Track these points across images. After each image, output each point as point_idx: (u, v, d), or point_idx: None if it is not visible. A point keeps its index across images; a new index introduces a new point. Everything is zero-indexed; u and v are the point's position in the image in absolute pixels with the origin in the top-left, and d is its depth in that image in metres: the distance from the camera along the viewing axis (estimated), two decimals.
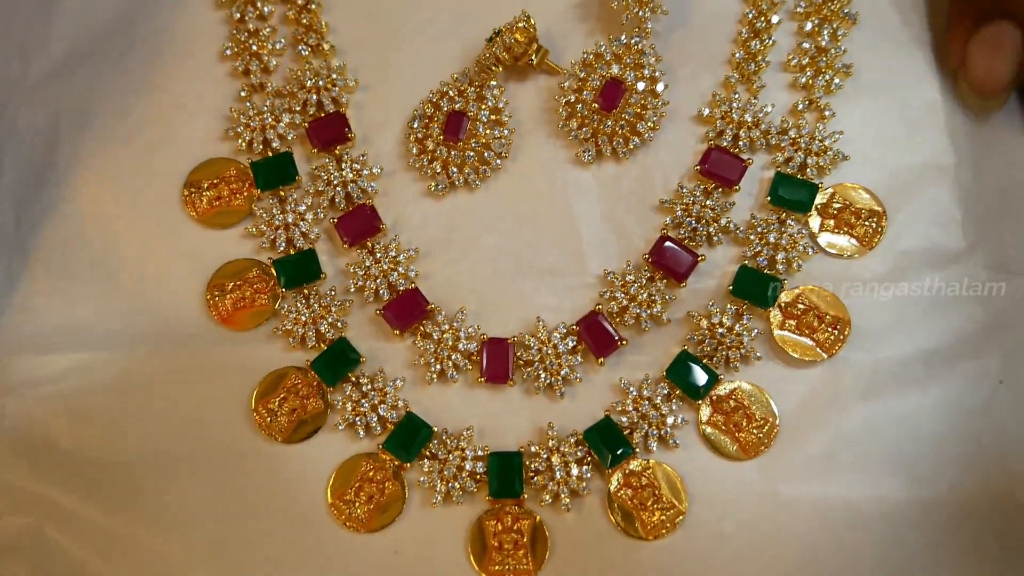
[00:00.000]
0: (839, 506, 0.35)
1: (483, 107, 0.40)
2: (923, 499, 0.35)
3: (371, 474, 0.36)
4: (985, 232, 0.38)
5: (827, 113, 0.40)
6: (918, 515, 0.35)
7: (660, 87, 0.39)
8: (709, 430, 0.37)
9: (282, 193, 0.40)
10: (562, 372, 0.37)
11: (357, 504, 0.36)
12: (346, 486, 0.36)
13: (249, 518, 0.36)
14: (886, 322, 0.37)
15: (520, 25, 0.39)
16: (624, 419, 0.37)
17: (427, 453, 0.37)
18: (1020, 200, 0.38)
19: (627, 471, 0.36)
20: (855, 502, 0.35)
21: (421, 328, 0.38)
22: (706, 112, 0.40)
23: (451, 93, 0.40)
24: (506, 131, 0.40)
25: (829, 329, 0.37)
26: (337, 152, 0.40)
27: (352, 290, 0.39)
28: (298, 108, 0.41)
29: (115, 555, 0.36)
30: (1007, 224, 0.38)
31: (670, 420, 0.37)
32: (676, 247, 0.38)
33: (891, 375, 0.37)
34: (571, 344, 0.38)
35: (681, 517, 0.35)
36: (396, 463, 0.37)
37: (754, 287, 0.38)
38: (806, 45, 0.40)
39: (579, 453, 0.36)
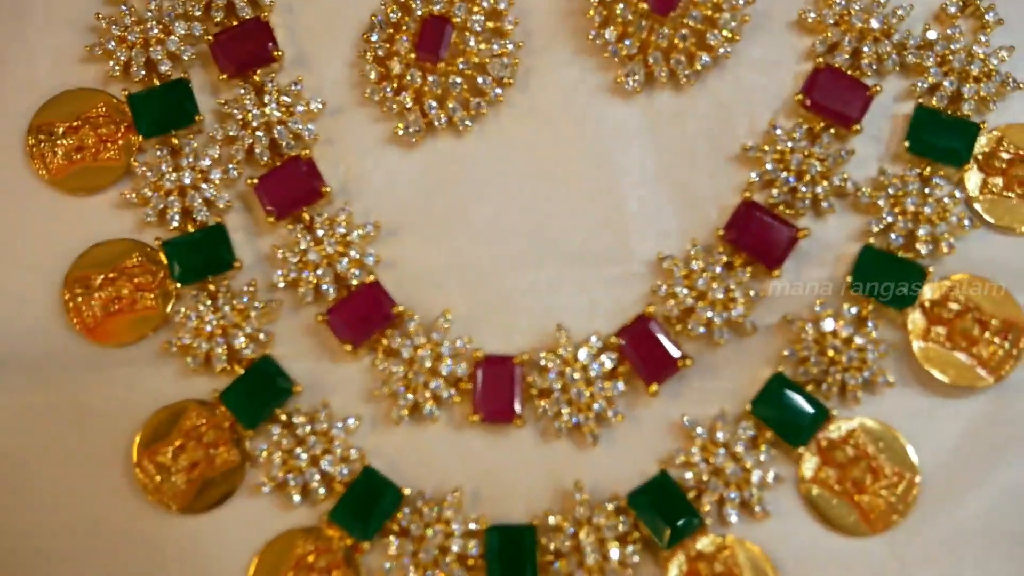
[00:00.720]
0: None
1: (475, 9, 0.38)
2: None
3: (311, 559, 0.35)
4: None
5: (990, 18, 0.38)
6: None
7: None
8: (816, 491, 0.35)
9: (175, 141, 0.38)
10: (595, 406, 0.36)
11: None
12: None
13: None
14: None
15: None
16: (689, 475, 0.35)
17: (394, 527, 0.35)
18: None
19: (693, 553, 0.34)
20: None
21: (384, 341, 0.37)
22: (811, 16, 0.38)
23: None
24: (510, 45, 0.38)
25: (996, 340, 0.35)
26: (257, 79, 0.39)
27: (282, 285, 0.37)
28: (198, 13, 0.39)
29: None
30: None
31: (757, 476, 0.35)
32: (766, 217, 0.36)
33: None
34: (608, 365, 0.36)
35: None
36: (349, 542, 0.35)
37: (884, 277, 0.35)
38: None
39: (621, 527, 0.35)
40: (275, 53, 0.38)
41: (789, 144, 0.37)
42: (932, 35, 0.37)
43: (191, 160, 0.38)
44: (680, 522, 0.34)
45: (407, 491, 0.35)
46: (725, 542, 0.34)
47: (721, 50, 0.37)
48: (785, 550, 0.34)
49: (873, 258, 0.36)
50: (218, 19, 0.39)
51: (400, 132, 0.38)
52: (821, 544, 0.34)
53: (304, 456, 0.35)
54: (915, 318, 0.35)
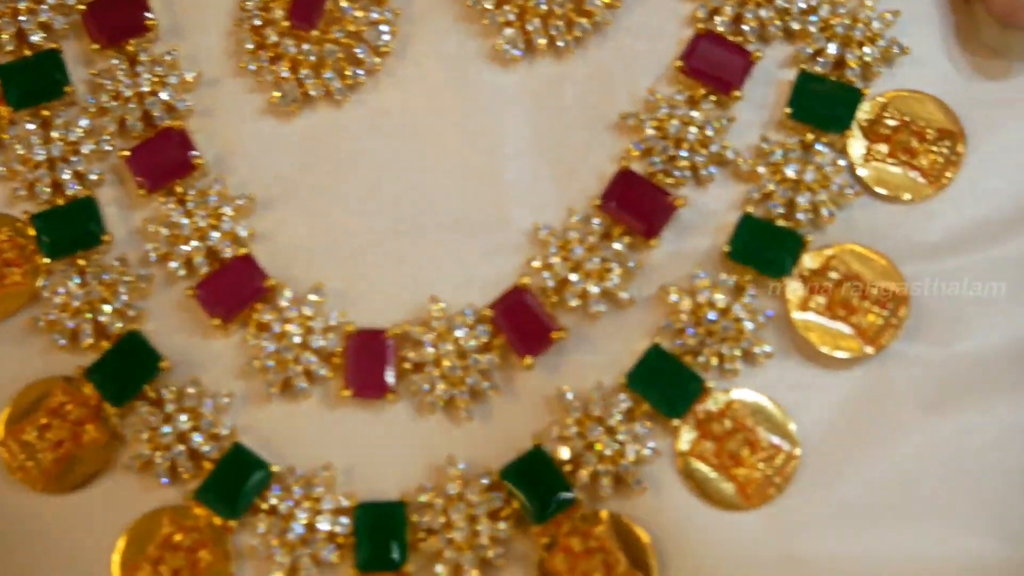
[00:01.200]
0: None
1: None
2: (1014, 564, 0.33)
3: (178, 538, 0.34)
4: None
5: None
6: None
7: None
8: (693, 464, 0.34)
9: (46, 113, 0.38)
10: (469, 380, 0.35)
11: None
12: (141, 556, 0.34)
13: None
14: (963, 300, 0.35)
15: None
16: (564, 450, 0.35)
17: (264, 506, 0.35)
18: None
19: (565, 529, 0.34)
20: (909, 571, 0.33)
21: (256, 316, 0.36)
22: None
23: None
24: (387, 13, 0.38)
25: (876, 310, 0.35)
26: (130, 49, 0.38)
27: (153, 259, 0.37)
28: None
29: None
30: None
31: (632, 451, 0.34)
32: (643, 186, 0.36)
33: (969, 379, 0.35)
34: (483, 337, 0.36)
35: None
36: (217, 521, 0.35)
37: (763, 247, 0.35)
38: None
39: (494, 502, 0.34)
40: (149, 23, 0.38)
41: (669, 111, 0.36)
42: (800, 5, 0.37)
43: (61, 132, 0.37)
44: (555, 498, 0.34)
45: (276, 468, 0.35)
46: (600, 517, 0.33)
47: (600, 16, 0.37)
48: (663, 524, 0.34)
49: (751, 227, 0.35)
50: None
51: (276, 102, 0.37)
52: (698, 517, 0.34)
53: (171, 433, 0.35)
54: (794, 287, 0.35)
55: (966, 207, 0.36)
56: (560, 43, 0.37)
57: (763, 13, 0.37)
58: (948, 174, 0.36)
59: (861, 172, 0.36)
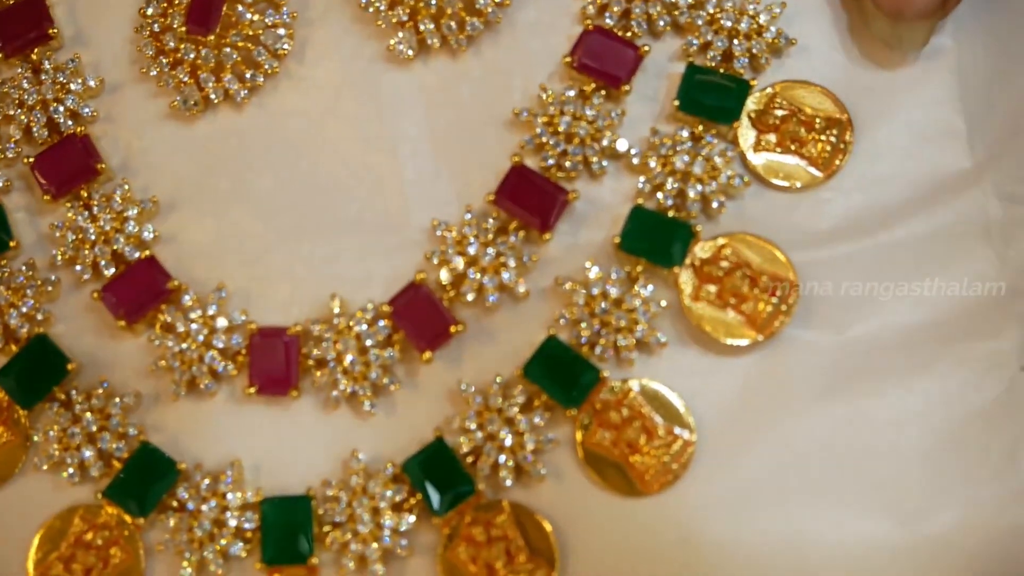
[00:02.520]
0: (786, 563, 0.33)
1: None
2: (909, 544, 0.33)
3: (89, 536, 0.35)
4: (1005, 144, 0.37)
5: None
6: (910, 566, 0.33)
7: None
8: (591, 452, 0.35)
9: None
10: (371, 375, 0.36)
11: None
12: (53, 555, 0.35)
13: None
14: (853, 285, 0.35)
15: None
16: (464, 441, 0.35)
17: (172, 502, 0.35)
18: None
19: (467, 519, 0.35)
20: (812, 553, 0.33)
21: (161, 316, 0.36)
22: None
23: None
24: (284, 16, 0.38)
25: (766, 297, 0.35)
26: (34, 57, 0.38)
27: (60, 263, 0.37)
28: None
29: None
30: None
31: (531, 441, 0.35)
32: (536, 181, 0.36)
33: (861, 364, 0.35)
34: (383, 333, 0.36)
35: None
36: (127, 519, 0.35)
37: (653, 238, 0.36)
38: None
39: (397, 495, 0.35)
40: (51, 31, 0.38)
41: (560, 107, 0.36)
42: None
43: None
44: (455, 489, 0.34)
45: (183, 466, 0.35)
46: (501, 506, 0.34)
47: (491, 14, 0.37)
48: (563, 512, 0.34)
49: (643, 219, 0.36)
50: None
51: (177, 107, 0.37)
52: (599, 505, 0.35)
53: (79, 434, 0.35)
54: (686, 277, 0.36)
55: (855, 194, 0.37)
56: (453, 42, 0.37)
57: (651, 8, 0.37)
58: (836, 162, 0.36)
59: (752, 161, 0.36)
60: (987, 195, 0.36)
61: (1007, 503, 0.34)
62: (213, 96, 0.37)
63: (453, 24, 0.37)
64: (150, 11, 0.38)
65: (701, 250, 0.36)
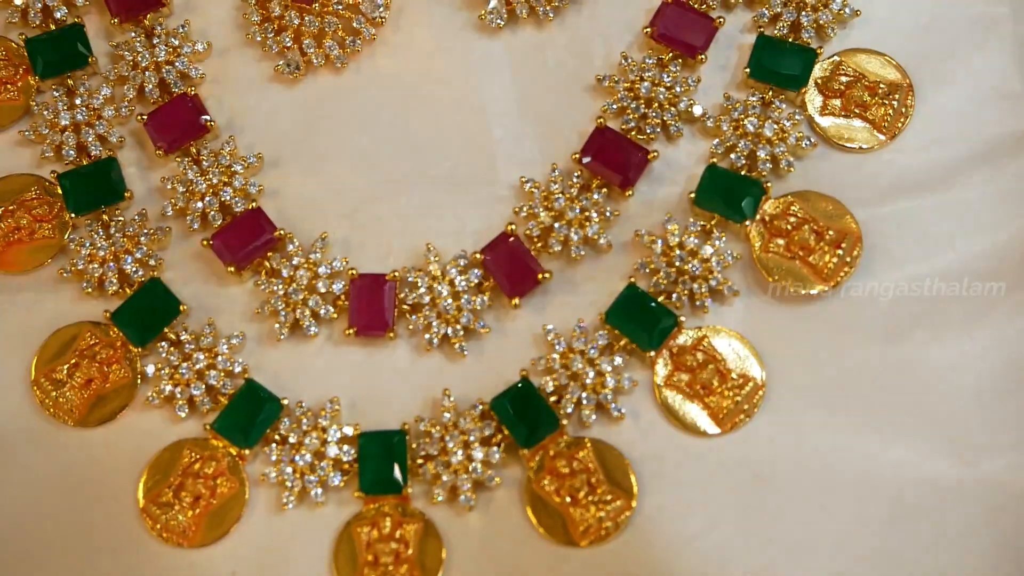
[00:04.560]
0: (850, 493, 0.35)
1: None
2: (969, 481, 0.35)
3: (197, 467, 0.37)
4: None
5: None
6: (965, 502, 0.35)
7: None
8: (668, 394, 0.37)
9: (70, 82, 0.41)
10: (463, 319, 0.38)
11: (179, 508, 0.37)
12: (163, 484, 0.37)
13: (29, 530, 0.36)
14: (915, 238, 0.38)
15: None
16: (549, 381, 0.37)
17: (275, 436, 0.37)
18: None
19: (551, 453, 0.37)
20: (870, 488, 0.35)
21: (266, 264, 0.39)
22: None
23: None
24: None
25: (832, 250, 0.37)
26: (147, 22, 0.41)
27: (170, 214, 0.40)
28: None
29: None
30: None
31: (612, 381, 0.37)
32: (619, 141, 0.38)
33: (921, 312, 0.37)
34: (475, 280, 0.38)
35: (628, 513, 0.36)
36: (232, 451, 0.37)
37: (726, 195, 0.38)
38: None
39: (486, 430, 0.37)
40: None
41: (640, 74, 0.39)
42: None
43: (85, 99, 0.40)
44: (540, 425, 0.37)
45: (286, 402, 0.38)
46: (583, 442, 0.36)
47: None
48: (641, 450, 0.37)
49: (717, 177, 0.38)
50: None
51: (281, 70, 0.40)
52: (673, 443, 0.37)
53: (189, 371, 0.37)
54: (756, 231, 0.38)
55: (917, 154, 0.39)
56: (540, 12, 0.40)
57: None
58: (899, 124, 0.39)
59: (819, 124, 0.39)
60: None
61: None
62: (315, 60, 0.40)
63: None
64: None
65: (771, 206, 0.38)
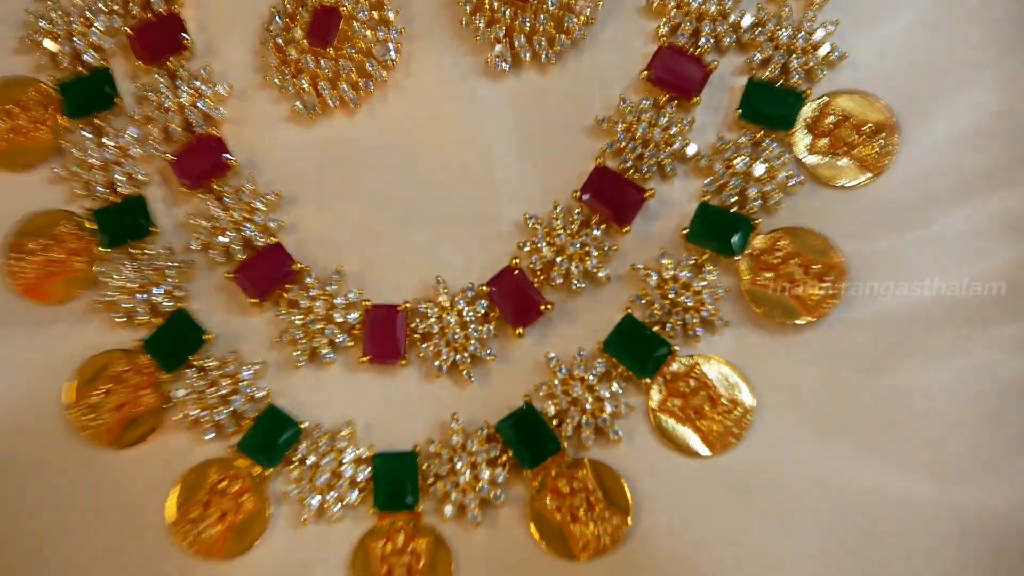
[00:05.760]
0: (832, 513, 0.37)
1: (361, 1, 0.42)
2: (944, 503, 0.37)
3: (223, 485, 0.39)
4: None
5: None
6: (939, 523, 0.36)
7: None
8: (662, 418, 0.39)
9: (99, 122, 0.42)
10: (469, 347, 0.40)
11: (206, 524, 0.38)
12: (191, 501, 0.39)
13: (63, 544, 0.38)
14: (897, 272, 0.39)
15: None
16: (551, 406, 0.39)
17: (295, 457, 0.39)
18: None
19: (552, 473, 0.38)
20: (853, 506, 0.37)
21: (285, 295, 0.41)
22: (656, 1, 0.42)
23: None
24: (393, 32, 0.42)
25: (817, 283, 0.39)
26: (171, 66, 0.43)
27: (195, 248, 0.41)
28: (117, 8, 0.43)
29: None
30: None
31: (609, 406, 0.39)
32: (617, 181, 0.40)
33: (901, 342, 0.38)
34: (481, 311, 0.40)
35: (624, 530, 0.38)
36: (255, 470, 0.39)
37: (717, 231, 0.40)
38: None
39: (491, 452, 0.39)
40: (186, 43, 0.43)
41: (637, 116, 0.41)
42: (764, 15, 0.41)
43: (113, 139, 0.42)
44: (542, 448, 0.38)
45: (305, 424, 0.40)
46: (582, 463, 0.38)
47: (577, 32, 0.41)
48: (636, 470, 0.38)
49: (708, 214, 0.40)
50: (135, 13, 0.43)
51: (298, 110, 0.42)
52: (667, 464, 0.38)
53: (215, 396, 0.40)
54: (746, 265, 0.40)
55: (900, 192, 0.40)
56: (543, 57, 0.42)
57: (718, 28, 0.41)
58: (884, 163, 0.40)
59: (807, 163, 0.41)
60: (1021, 192, 0.39)
61: None
62: (330, 102, 0.42)
63: (543, 41, 0.41)
64: (273, 26, 0.42)
65: (760, 241, 0.40)
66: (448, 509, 0.38)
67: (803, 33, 0.41)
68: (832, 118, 0.41)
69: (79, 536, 0.39)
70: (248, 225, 0.41)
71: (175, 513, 0.39)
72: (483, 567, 0.38)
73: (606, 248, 0.40)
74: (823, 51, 0.41)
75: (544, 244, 0.40)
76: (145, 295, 0.40)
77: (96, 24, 0.42)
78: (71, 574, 0.38)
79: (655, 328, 0.39)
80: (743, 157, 0.40)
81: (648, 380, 0.39)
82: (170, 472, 0.39)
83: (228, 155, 0.41)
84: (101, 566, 0.38)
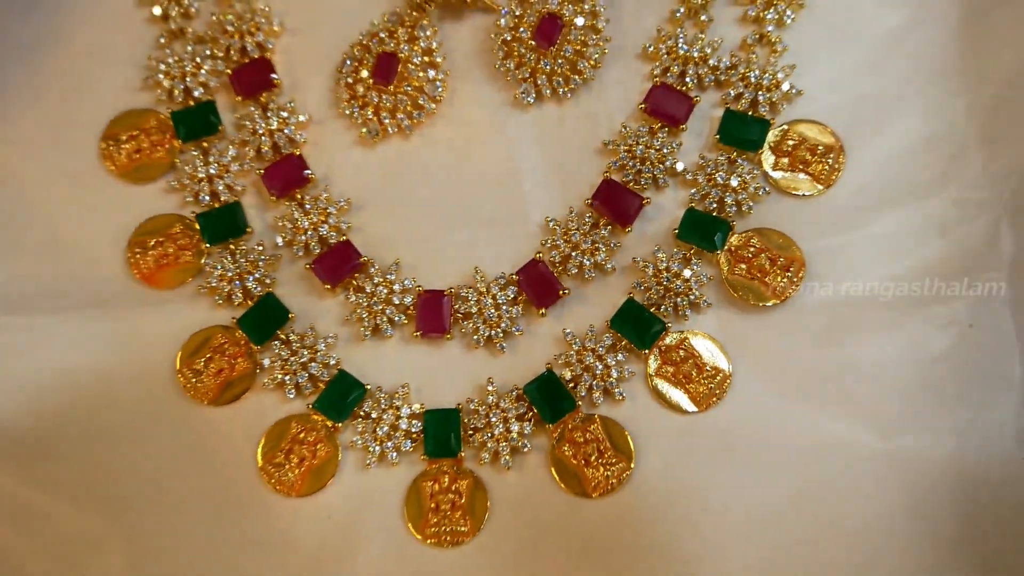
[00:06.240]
0: (795, 459, 0.37)
1: (415, 48, 0.42)
2: (882, 452, 0.37)
3: (302, 436, 0.39)
4: (955, 163, 0.40)
5: (779, 47, 0.42)
6: (882, 469, 0.37)
7: (601, 22, 0.42)
8: (658, 382, 0.39)
9: (205, 144, 0.43)
10: (502, 324, 0.40)
11: (288, 467, 0.39)
12: (276, 449, 0.39)
13: (173, 484, 0.39)
14: (845, 264, 0.39)
15: None
16: (567, 372, 0.39)
17: (360, 413, 0.40)
18: (994, 126, 0.40)
19: (569, 426, 0.39)
20: (813, 453, 0.37)
21: (354, 282, 0.41)
22: (651, 48, 0.42)
23: (381, 35, 0.43)
24: (440, 73, 0.42)
25: (782, 272, 0.39)
26: (263, 100, 0.43)
27: (281, 244, 0.41)
28: (220, 54, 0.44)
29: (24, 524, 0.38)
30: (980, 153, 0.40)
31: (615, 372, 0.39)
32: (620, 190, 0.40)
33: (850, 320, 0.39)
34: (511, 295, 0.40)
35: (628, 473, 0.38)
36: (328, 424, 0.39)
37: (701, 231, 0.40)
38: None
39: (520, 409, 0.39)
40: (275, 82, 0.43)
41: (636, 139, 0.41)
42: (736, 60, 0.41)
43: (216, 158, 0.42)
44: (561, 405, 0.39)
45: (368, 387, 0.40)
46: (593, 418, 0.39)
47: (588, 74, 0.42)
48: (637, 424, 0.39)
49: (693, 217, 0.40)
50: (235, 58, 0.43)
51: (363, 135, 0.42)
52: (662, 419, 0.39)
53: (296, 363, 0.40)
54: (724, 258, 0.40)
55: (846, 200, 0.40)
56: (561, 93, 0.42)
57: (700, 71, 0.42)
58: (833, 177, 0.40)
59: (772, 177, 0.41)
60: (944, 200, 0.39)
61: (956, 433, 0.37)
62: (389, 129, 0.42)
63: (561, 80, 0.42)
64: (345, 68, 0.43)
65: (735, 239, 0.40)
66: (485, 456, 0.38)
67: (768, 74, 0.41)
68: (791, 141, 0.41)
69: (186, 476, 0.39)
70: (324, 226, 0.41)
71: (262, 459, 0.39)
72: (513, 503, 0.38)
73: (612, 245, 0.40)
74: (784, 88, 0.41)
75: (562, 241, 0.40)
76: (240, 282, 0.40)
77: (204, 67, 0.43)
78: (180, 506, 0.38)
79: (652, 309, 0.39)
80: (721, 172, 0.40)
81: (646, 351, 0.39)
82: (259, 425, 0.39)
83: (308, 170, 0.42)
84: (202, 501, 0.38)
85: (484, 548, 0.38)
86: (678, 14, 0.42)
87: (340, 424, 0.39)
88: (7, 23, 0.44)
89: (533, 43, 0.41)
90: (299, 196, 0.42)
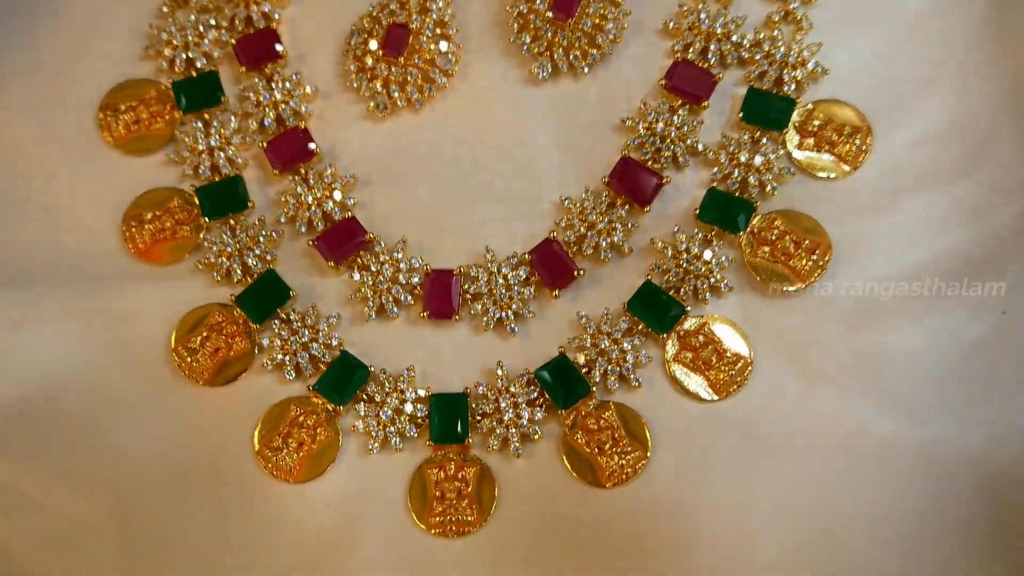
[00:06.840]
0: (819, 449, 0.36)
1: (427, 20, 0.41)
2: (912, 441, 0.36)
3: (301, 419, 0.38)
4: (986, 148, 0.39)
5: (805, 24, 0.41)
6: (909, 460, 0.36)
7: None
8: (676, 368, 0.38)
9: (207, 116, 0.42)
10: (513, 306, 0.39)
11: (286, 452, 0.37)
12: (274, 432, 0.37)
13: (166, 469, 0.37)
14: (873, 248, 0.39)
15: None
16: (581, 356, 0.38)
17: (363, 396, 0.38)
18: None
19: (583, 413, 0.37)
20: (838, 443, 0.36)
21: (358, 260, 0.40)
22: (672, 24, 0.41)
23: (392, 6, 0.42)
24: (453, 46, 0.41)
25: (807, 255, 0.38)
26: (267, 71, 0.42)
27: (283, 220, 0.40)
28: (224, 24, 0.42)
29: (12, 509, 0.37)
30: (1011, 138, 0.39)
31: (631, 357, 0.38)
32: (638, 169, 0.39)
33: (879, 306, 0.38)
34: (523, 275, 0.39)
35: (643, 463, 0.36)
36: (329, 407, 0.38)
37: (722, 211, 0.39)
38: None
39: (531, 394, 0.38)
40: (280, 53, 0.42)
41: (655, 117, 0.40)
42: (761, 37, 0.40)
43: (218, 130, 0.41)
44: (574, 391, 0.37)
45: (372, 369, 0.38)
46: (607, 405, 0.37)
47: (606, 48, 0.41)
48: (654, 412, 0.37)
49: (715, 198, 0.39)
50: (239, 28, 0.42)
51: (371, 109, 0.41)
52: (680, 407, 0.37)
53: (296, 343, 0.38)
54: (747, 240, 0.39)
55: (873, 182, 0.39)
56: (578, 68, 0.41)
57: (723, 47, 0.41)
58: (860, 159, 0.40)
59: (797, 158, 0.40)
60: (975, 185, 0.39)
61: (986, 423, 0.36)
62: (399, 103, 0.41)
63: (579, 54, 0.41)
64: (353, 40, 0.42)
65: (758, 221, 0.39)
66: (493, 442, 0.37)
67: (793, 52, 0.40)
68: (817, 121, 0.40)
69: (179, 459, 0.37)
70: (328, 202, 0.40)
71: (259, 443, 0.37)
72: (523, 493, 0.37)
73: (629, 225, 0.39)
74: (809, 67, 0.40)
75: (577, 221, 0.39)
76: (240, 258, 0.39)
77: (207, 36, 0.42)
78: (172, 490, 0.37)
79: (670, 292, 0.38)
80: (744, 152, 0.39)
81: (664, 336, 0.38)
82: (257, 408, 0.38)
83: (313, 144, 0.41)
84: (200, 486, 0.37)
85: (491, 539, 0.36)
86: None
87: (342, 407, 0.38)
88: None
89: (550, 15, 0.40)
90: (303, 171, 0.40)
